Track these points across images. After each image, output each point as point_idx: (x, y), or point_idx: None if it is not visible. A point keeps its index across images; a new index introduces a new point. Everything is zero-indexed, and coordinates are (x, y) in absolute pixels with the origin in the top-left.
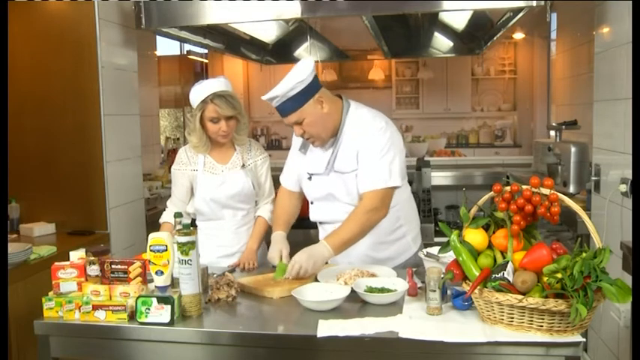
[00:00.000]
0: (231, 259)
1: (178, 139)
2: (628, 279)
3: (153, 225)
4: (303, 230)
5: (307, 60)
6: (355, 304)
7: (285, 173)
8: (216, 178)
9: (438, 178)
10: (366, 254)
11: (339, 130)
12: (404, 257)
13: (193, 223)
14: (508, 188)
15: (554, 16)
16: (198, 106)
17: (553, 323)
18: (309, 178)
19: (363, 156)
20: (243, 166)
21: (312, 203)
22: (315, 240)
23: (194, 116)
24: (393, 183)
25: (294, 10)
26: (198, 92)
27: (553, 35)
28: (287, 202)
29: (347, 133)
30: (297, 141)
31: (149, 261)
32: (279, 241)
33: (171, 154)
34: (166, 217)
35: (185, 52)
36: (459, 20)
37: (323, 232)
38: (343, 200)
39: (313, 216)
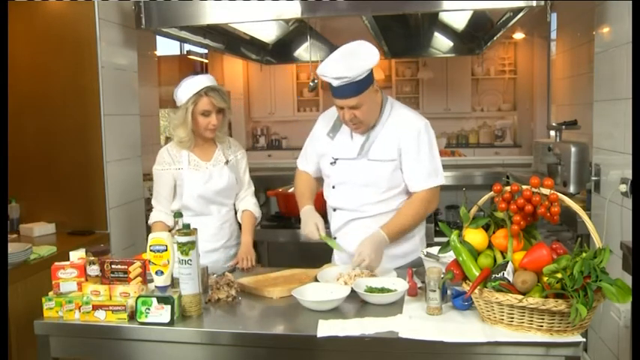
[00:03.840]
0: (215, 254)
1: None
2: (628, 279)
3: None
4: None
5: (371, 45)
6: (355, 304)
7: (303, 157)
8: (202, 175)
9: None
10: None
11: (378, 119)
12: (411, 257)
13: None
14: (508, 188)
15: (554, 16)
16: (191, 98)
17: (553, 323)
18: (333, 163)
19: (413, 153)
20: (227, 162)
21: (333, 188)
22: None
23: (184, 109)
24: (441, 181)
25: (294, 10)
26: (191, 86)
27: (553, 35)
28: (307, 179)
29: (387, 124)
30: (323, 125)
31: (149, 261)
32: (311, 215)
33: None
34: (155, 216)
35: (185, 52)
36: (459, 20)
37: (336, 219)
38: (366, 187)
39: (332, 201)
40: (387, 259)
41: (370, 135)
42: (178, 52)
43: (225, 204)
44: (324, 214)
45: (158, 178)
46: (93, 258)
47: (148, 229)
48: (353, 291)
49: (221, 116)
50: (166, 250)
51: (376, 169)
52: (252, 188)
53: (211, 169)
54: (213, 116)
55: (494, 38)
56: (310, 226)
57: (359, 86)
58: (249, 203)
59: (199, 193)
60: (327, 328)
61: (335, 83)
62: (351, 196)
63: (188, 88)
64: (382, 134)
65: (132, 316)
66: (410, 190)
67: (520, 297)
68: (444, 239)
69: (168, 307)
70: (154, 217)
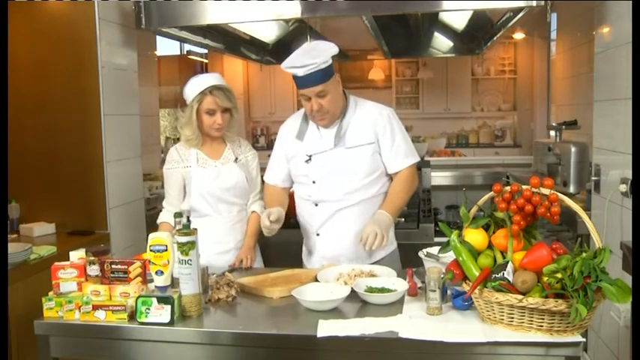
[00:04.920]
0: (227, 255)
1: (178, 139)
2: (628, 279)
3: (153, 225)
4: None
5: (327, 41)
6: (355, 304)
7: (271, 171)
8: (210, 172)
9: (438, 178)
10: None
11: (345, 110)
12: (387, 250)
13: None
14: (508, 188)
15: (554, 16)
16: (196, 97)
17: (553, 323)
18: (308, 160)
19: (388, 136)
20: (236, 160)
21: (314, 183)
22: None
23: (190, 108)
24: (417, 158)
25: (294, 10)
26: (197, 84)
27: (553, 35)
28: (278, 197)
29: (357, 113)
30: (288, 132)
31: (149, 261)
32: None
33: None
34: (164, 217)
35: (185, 52)
36: (459, 20)
37: (320, 213)
38: (347, 174)
39: (315, 196)
40: (371, 250)
41: (342, 125)
42: (178, 52)
43: (235, 203)
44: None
45: (168, 177)
46: (93, 258)
47: (148, 229)
48: (353, 291)
49: (227, 116)
50: (166, 250)
51: (355, 155)
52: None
53: (220, 167)
54: (218, 115)
55: (494, 38)
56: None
57: (324, 74)
58: (258, 206)
59: (208, 191)
60: (327, 328)
61: (301, 72)
62: (334, 186)
63: (194, 86)
64: (354, 122)
65: (132, 316)
66: (391, 170)
67: (520, 297)
68: (444, 239)
69: (168, 307)
70: (161, 218)
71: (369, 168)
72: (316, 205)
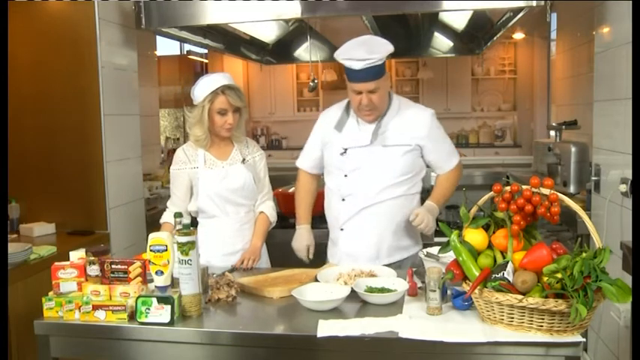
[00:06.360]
0: (235, 256)
1: (178, 139)
2: (628, 279)
3: (153, 225)
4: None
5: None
6: (355, 304)
7: (303, 155)
8: (218, 173)
9: None
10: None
11: (388, 108)
12: (413, 250)
13: (194, 223)
14: (508, 188)
15: (554, 16)
16: (208, 97)
17: (553, 323)
18: (343, 153)
19: (433, 140)
20: (244, 160)
21: (345, 176)
22: (317, 237)
23: (201, 107)
24: (459, 157)
25: (294, 10)
26: (208, 84)
27: (553, 35)
28: (309, 186)
29: (399, 114)
30: (327, 121)
31: (149, 261)
32: (305, 235)
33: (171, 154)
34: (167, 217)
35: (185, 52)
36: (458, 20)
37: (347, 208)
38: (381, 172)
39: (344, 189)
40: (391, 250)
41: (382, 123)
42: (178, 52)
43: (243, 204)
44: (321, 214)
45: (174, 178)
46: (93, 258)
47: (148, 229)
48: (353, 291)
49: (237, 115)
50: (166, 250)
51: (391, 154)
52: (272, 192)
53: (227, 168)
54: (230, 115)
55: (495, 38)
56: (302, 246)
57: (380, 70)
58: (266, 207)
59: (215, 192)
60: (327, 328)
61: (359, 66)
62: (365, 181)
63: (205, 86)
64: (395, 122)
65: (132, 316)
66: (438, 172)
67: (520, 297)
68: (444, 239)
69: (168, 307)
70: (164, 218)
71: (402, 168)
72: (343, 200)
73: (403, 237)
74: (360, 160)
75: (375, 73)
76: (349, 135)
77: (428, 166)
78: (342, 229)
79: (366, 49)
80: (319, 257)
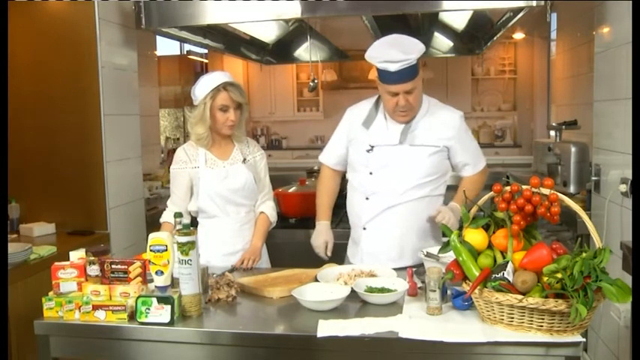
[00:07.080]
0: (235, 256)
1: (178, 139)
2: (628, 279)
3: (153, 225)
4: (304, 230)
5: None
6: (355, 304)
7: (328, 152)
8: (219, 173)
9: None
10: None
11: (419, 108)
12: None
13: (194, 223)
14: (508, 188)
15: (554, 16)
16: (209, 94)
17: (553, 323)
18: (370, 150)
19: (461, 142)
20: (244, 160)
21: (370, 174)
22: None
23: (203, 105)
24: (485, 161)
25: (294, 10)
26: (209, 81)
27: (553, 35)
28: (331, 182)
29: (428, 114)
30: (355, 117)
31: (149, 261)
32: (325, 232)
33: (171, 154)
34: (167, 216)
35: (185, 52)
36: (459, 20)
37: (371, 207)
38: (407, 171)
39: (368, 187)
40: (415, 252)
41: (411, 123)
42: (178, 52)
43: (243, 204)
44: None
45: (174, 177)
46: (93, 258)
47: (148, 229)
48: (353, 291)
49: (239, 112)
50: (166, 250)
51: (418, 154)
52: (272, 192)
53: (228, 168)
54: (232, 112)
55: (495, 38)
56: (320, 242)
57: (415, 70)
58: (267, 207)
59: (216, 191)
60: (327, 328)
61: (395, 67)
62: (390, 180)
63: (206, 84)
64: (424, 122)
65: (132, 316)
66: (464, 174)
67: (520, 297)
68: (443, 239)
69: (168, 307)
70: (164, 217)
71: (429, 169)
72: (367, 198)
73: (427, 239)
74: (387, 158)
75: (411, 73)
76: (377, 132)
77: (453, 170)
78: (364, 228)
79: (400, 50)
80: (320, 258)
